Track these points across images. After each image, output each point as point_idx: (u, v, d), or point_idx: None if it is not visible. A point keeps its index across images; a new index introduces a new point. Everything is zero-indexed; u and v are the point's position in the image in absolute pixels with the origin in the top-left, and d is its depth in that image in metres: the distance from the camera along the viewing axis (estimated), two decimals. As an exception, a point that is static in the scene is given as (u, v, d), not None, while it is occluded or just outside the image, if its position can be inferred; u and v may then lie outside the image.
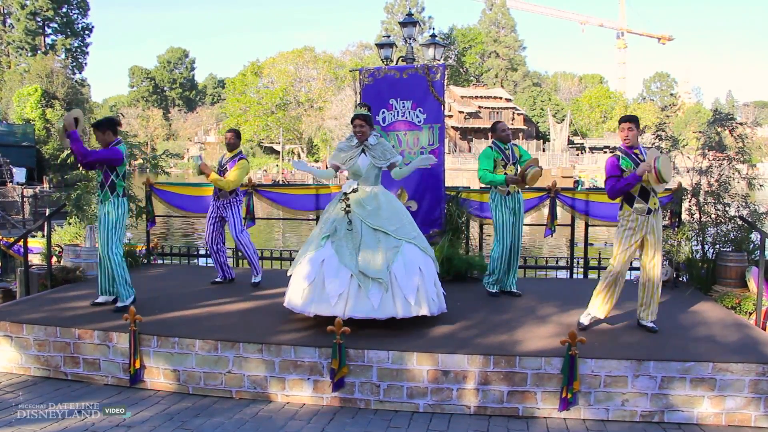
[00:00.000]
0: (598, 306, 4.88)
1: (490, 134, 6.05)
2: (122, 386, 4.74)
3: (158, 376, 4.71)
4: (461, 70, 75.49)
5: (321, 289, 4.75)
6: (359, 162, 5.14)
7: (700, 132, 7.09)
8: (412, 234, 4.99)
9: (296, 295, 4.90)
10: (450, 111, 57.74)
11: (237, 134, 6.68)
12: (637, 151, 4.79)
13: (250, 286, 6.52)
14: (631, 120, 4.79)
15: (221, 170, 6.48)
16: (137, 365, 4.65)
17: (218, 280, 6.74)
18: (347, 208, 4.96)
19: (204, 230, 6.79)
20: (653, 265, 4.82)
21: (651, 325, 4.86)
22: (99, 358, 4.83)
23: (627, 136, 4.75)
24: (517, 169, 5.91)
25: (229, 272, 6.76)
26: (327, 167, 5.44)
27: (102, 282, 5.59)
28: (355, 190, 5.05)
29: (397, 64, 7.67)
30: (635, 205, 4.76)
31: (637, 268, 7.42)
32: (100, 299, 5.60)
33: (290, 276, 5.14)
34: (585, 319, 4.95)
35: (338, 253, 4.79)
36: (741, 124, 6.97)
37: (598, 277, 7.60)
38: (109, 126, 5.42)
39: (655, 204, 4.79)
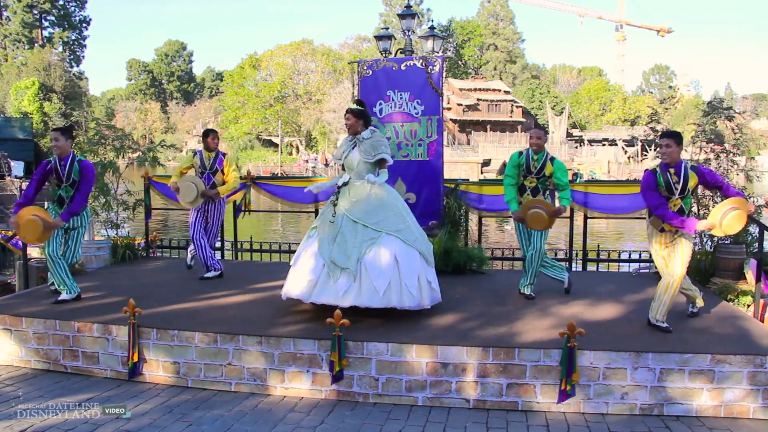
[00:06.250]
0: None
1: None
2: (121, 379, 4.74)
3: (157, 369, 4.72)
4: (460, 62, 75.32)
5: (300, 273, 5.03)
6: (351, 156, 5.25)
7: (696, 124, 7.09)
8: (396, 226, 4.98)
9: (287, 281, 5.18)
10: (448, 103, 57.49)
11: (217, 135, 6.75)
12: (672, 170, 4.49)
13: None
14: (669, 136, 4.51)
15: (212, 170, 6.50)
16: (135, 358, 4.65)
17: (209, 275, 6.56)
18: (335, 201, 5.16)
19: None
20: (668, 267, 4.64)
21: (652, 320, 4.69)
22: (98, 351, 4.84)
23: (664, 153, 4.50)
24: (538, 185, 5.60)
25: (218, 264, 6.68)
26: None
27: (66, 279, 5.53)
28: (345, 183, 5.19)
29: (395, 56, 7.64)
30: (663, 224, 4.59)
31: (639, 261, 7.46)
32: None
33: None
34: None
35: (319, 241, 5.02)
36: (738, 113, 6.96)
37: (597, 269, 7.62)
38: (71, 135, 5.50)
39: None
